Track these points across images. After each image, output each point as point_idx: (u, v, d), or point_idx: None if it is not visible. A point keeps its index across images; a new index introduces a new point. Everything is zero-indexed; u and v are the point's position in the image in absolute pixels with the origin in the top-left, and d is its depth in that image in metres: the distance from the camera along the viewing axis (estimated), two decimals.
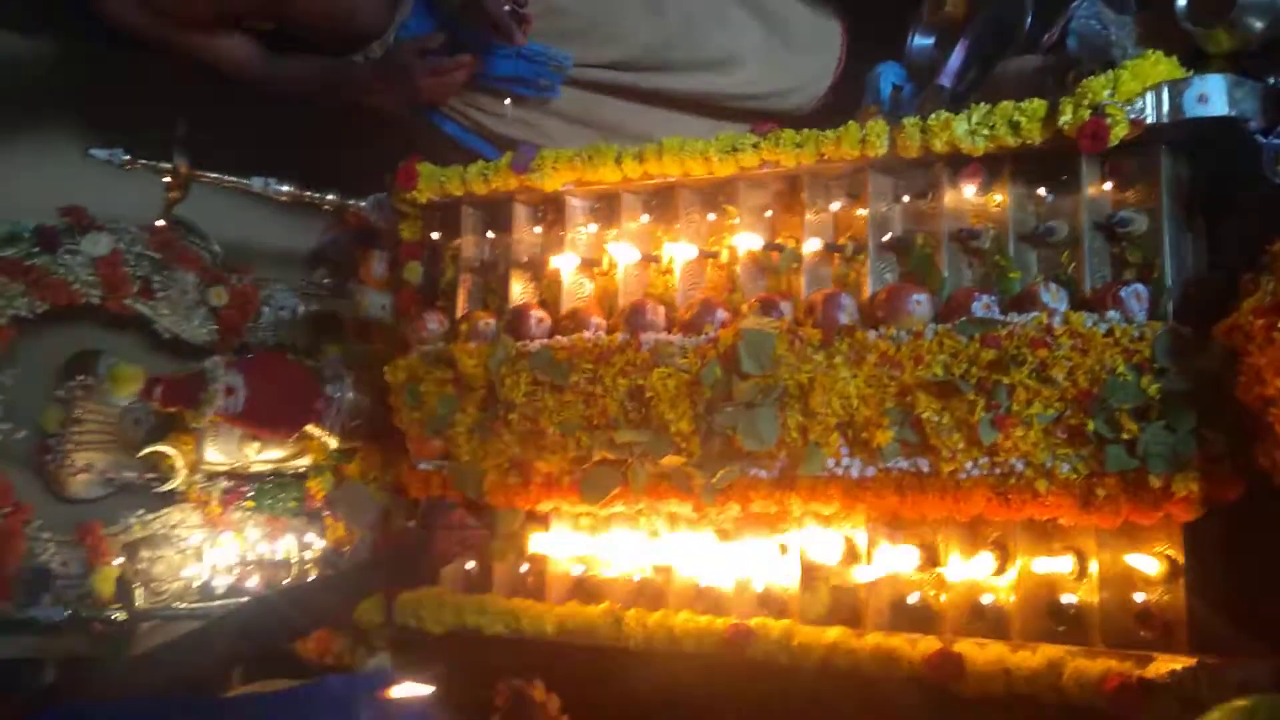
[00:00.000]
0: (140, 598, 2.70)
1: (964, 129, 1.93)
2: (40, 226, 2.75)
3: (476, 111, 2.66)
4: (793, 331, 1.98)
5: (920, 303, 1.94)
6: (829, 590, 2.01)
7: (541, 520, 2.35)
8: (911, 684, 1.80)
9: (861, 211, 2.10)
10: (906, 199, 2.09)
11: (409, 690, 1.73)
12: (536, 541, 2.33)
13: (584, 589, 2.26)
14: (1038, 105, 1.88)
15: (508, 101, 2.54)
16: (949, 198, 2.03)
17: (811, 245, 2.11)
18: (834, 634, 1.91)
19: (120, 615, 2.58)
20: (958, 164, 2.02)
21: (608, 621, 2.11)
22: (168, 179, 2.55)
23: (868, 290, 2.05)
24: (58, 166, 2.95)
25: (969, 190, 2.03)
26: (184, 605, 2.73)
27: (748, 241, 2.18)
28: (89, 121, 3.00)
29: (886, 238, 2.08)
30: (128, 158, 2.48)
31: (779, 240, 2.18)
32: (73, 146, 2.97)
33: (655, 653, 2.10)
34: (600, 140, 2.44)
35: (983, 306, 1.89)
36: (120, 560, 2.73)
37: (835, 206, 2.14)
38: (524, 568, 2.34)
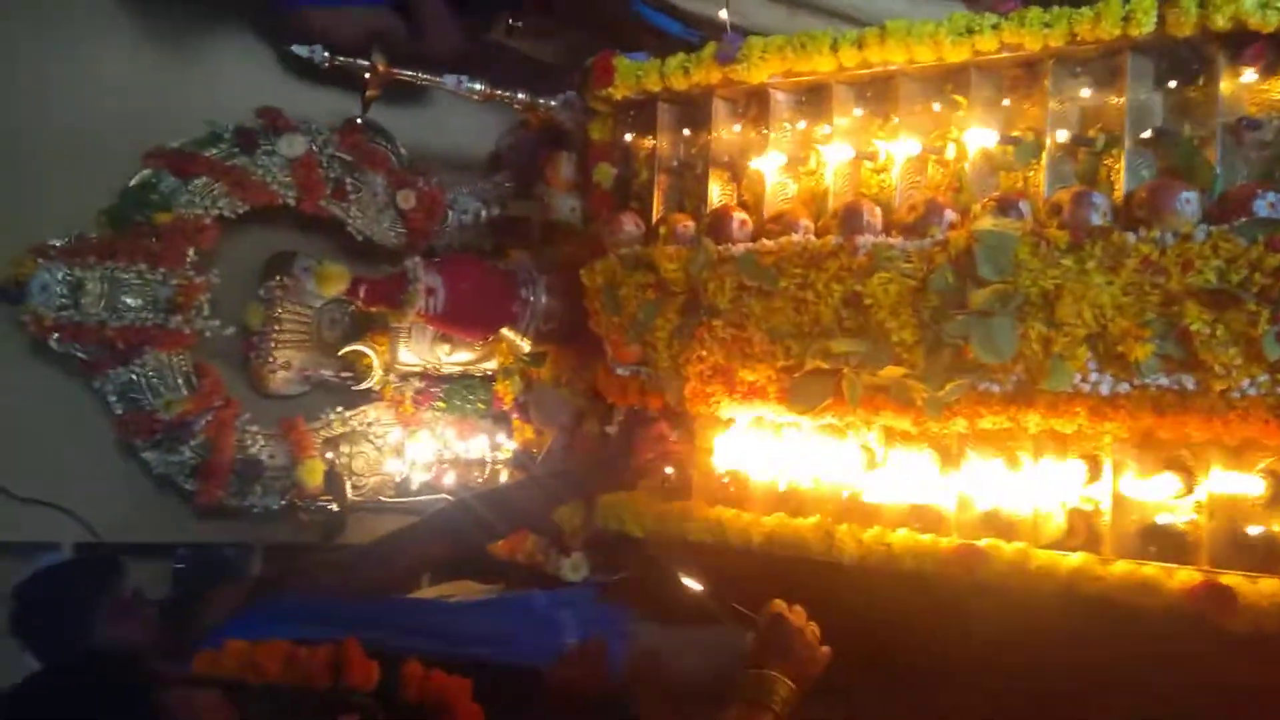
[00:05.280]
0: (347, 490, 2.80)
1: (1255, 1, 1.69)
2: (240, 127, 2.79)
3: None
4: (1037, 233, 1.80)
5: (1189, 201, 1.74)
6: (1065, 513, 1.87)
7: (742, 429, 2.28)
8: (1168, 616, 1.66)
9: (1116, 100, 1.89)
10: (1172, 85, 1.86)
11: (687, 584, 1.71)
12: (738, 450, 2.26)
13: (789, 501, 2.19)
14: None
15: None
16: (1225, 83, 1.80)
17: (1058, 138, 1.92)
18: (1077, 560, 1.78)
19: (333, 506, 2.67)
20: (1236, 44, 1.79)
21: (818, 535, 2.04)
22: (366, 75, 2.52)
23: (1122, 188, 1.85)
24: (253, 68, 2.98)
25: (1249, 74, 1.79)
26: (387, 499, 2.81)
27: (978, 135, 2.00)
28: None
29: (1147, 134, 1.86)
30: (327, 54, 2.46)
31: (1015, 133, 1.99)
32: (266, 47, 3.00)
33: (863, 569, 2.03)
34: (798, 14, 2.28)
35: (1267, 205, 1.67)
36: (330, 456, 2.82)
37: (1085, 94, 1.93)
38: (725, 478, 2.28)
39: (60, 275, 2.57)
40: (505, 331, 2.54)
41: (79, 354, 2.64)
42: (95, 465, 2.78)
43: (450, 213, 3.04)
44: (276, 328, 2.94)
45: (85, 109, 2.80)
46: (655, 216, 2.42)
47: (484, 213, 3.07)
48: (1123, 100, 1.88)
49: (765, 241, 2.14)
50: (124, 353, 2.65)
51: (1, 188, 2.71)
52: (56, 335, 2.58)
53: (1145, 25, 1.80)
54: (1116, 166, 1.87)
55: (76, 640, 2.21)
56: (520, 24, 2.74)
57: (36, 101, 2.75)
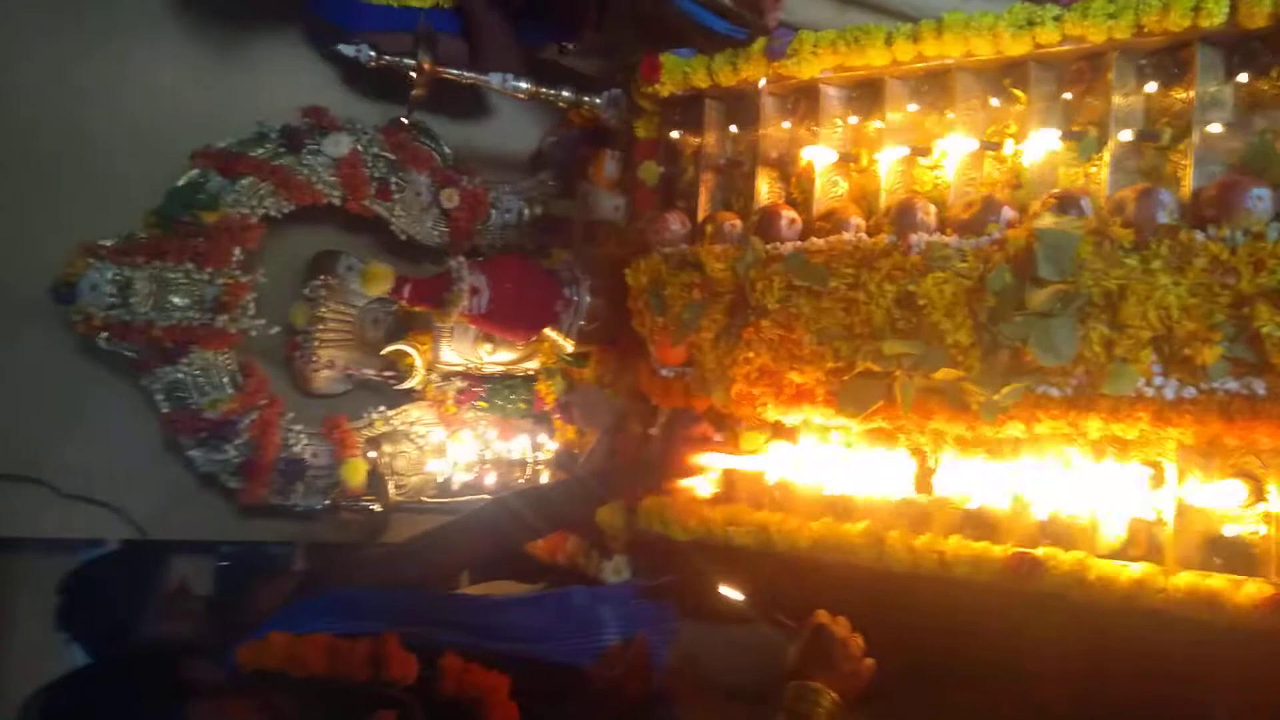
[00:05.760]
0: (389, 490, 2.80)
1: None
2: (287, 127, 2.80)
3: None
4: (1100, 232, 1.74)
5: (1261, 199, 1.66)
6: (1127, 521, 1.80)
7: (788, 433, 2.24)
8: (1233, 631, 1.59)
9: (1184, 93, 1.82)
10: (1243, 78, 1.78)
11: (727, 594, 1.68)
12: (784, 455, 2.22)
13: (836, 506, 2.14)
14: None
15: None
16: None
17: (1123, 134, 1.85)
18: (1139, 570, 1.71)
19: (376, 506, 2.67)
20: None
21: (868, 542, 1.99)
22: (412, 74, 2.51)
23: (1189, 185, 1.78)
24: (300, 69, 2.99)
25: None
26: (429, 499, 2.81)
27: (1038, 131, 1.94)
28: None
29: (1218, 128, 1.78)
30: (373, 54, 2.45)
31: (1077, 128, 1.93)
32: (313, 48, 3.01)
33: (910, 577, 1.97)
34: (848, 10, 2.23)
35: None
36: (373, 455, 2.82)
37: (1151, 88, 1.86)
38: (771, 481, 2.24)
39: (109, 275, 2.59)
40: (548, 331, 2.52)
41: (127, 353, 2.66)
42: (142, 463, 2.80)
43: (493, 212, 3.03)
44: (320, 327, 2.95)
45: (135, 110, 2.83)
46: (701, 215, 2.39)
47: (526, 212, 3.06)
48: (1191, 94, 1.80)
49: (815, 240, 2.09)
50: (170, 352, 2.67)
51: (53, 188, 2.74)
52: (105, 334, 2.60)
53: (1216, 16, 1.73)
54: (1184, 162, 1.80)
55: (122, 632, 2.21)
56: (571, 46, 2.75)
57: (87, 103, 2.79)
